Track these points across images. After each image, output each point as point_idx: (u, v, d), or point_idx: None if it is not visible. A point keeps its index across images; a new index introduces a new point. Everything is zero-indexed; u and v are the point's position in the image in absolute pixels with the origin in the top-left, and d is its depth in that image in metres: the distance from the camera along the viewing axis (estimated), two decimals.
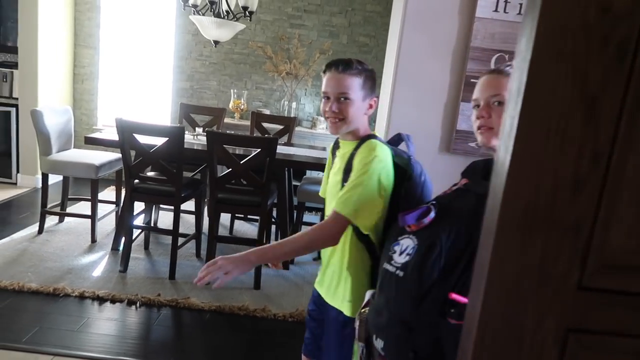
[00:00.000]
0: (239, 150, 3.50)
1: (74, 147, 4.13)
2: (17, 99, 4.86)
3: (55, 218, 4.02)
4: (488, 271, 0.60)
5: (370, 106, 1.49)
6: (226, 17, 3.85)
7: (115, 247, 3.57)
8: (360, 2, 5.16)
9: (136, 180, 3.25)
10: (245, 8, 3.66)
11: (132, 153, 3.27)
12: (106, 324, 2.69)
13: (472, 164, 1.25)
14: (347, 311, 1.49)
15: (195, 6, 3.85)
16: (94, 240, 3.69)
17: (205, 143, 3.07)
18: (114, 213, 4.14)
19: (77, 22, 5.31)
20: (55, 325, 2.61)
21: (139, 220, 3.65)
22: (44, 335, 2.51)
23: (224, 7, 3.81)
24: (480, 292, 0.62)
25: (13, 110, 4.88)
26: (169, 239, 3.71)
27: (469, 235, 1.06)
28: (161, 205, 4.01)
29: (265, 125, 4.50)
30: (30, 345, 2.40)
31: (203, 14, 3.85)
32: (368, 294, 1.28)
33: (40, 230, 3.75)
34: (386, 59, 2.16)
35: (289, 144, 4.31)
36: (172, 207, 3.30)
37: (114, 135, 3.40)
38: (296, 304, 3.08)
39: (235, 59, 5.29)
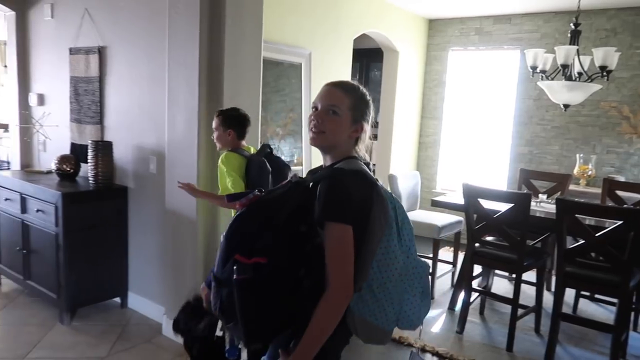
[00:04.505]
0: (589, 221, 3.15)
1: (418, 208, 4.55)
2: (374, 164, 5.75)
3: None
4: None
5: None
6: (578, 78, 3.65)
7: (451, 307, 3.69)
8: None
9: (477, 244, 3.32)
10: (603, 68, 3.38)
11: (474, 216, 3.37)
12: None
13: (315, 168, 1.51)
14: None
15: (543, 71, 3.79)
16: (432, 297, 3.91)
17: (550, 210, 2.90)
18: (450, 273, 4.30)
19: (425, 97, 5.97)
20: None
21: (474, 284, 3.68)
22: None
23: (577, 68, 3.63)
24: None
25: None
26: (503, 307, 3.62)
27: (269, 217, 1.28)
28: (496, 271, 3.96)
29: (620, 193, 3.94)
30: None
31: (552, 79, 3.75)
32: None
33: None
34: None
35: None
36: (507, 274, 3.21)
37: (457, 199, 3.61)
38: None
39: (582, 122, 4.90)
